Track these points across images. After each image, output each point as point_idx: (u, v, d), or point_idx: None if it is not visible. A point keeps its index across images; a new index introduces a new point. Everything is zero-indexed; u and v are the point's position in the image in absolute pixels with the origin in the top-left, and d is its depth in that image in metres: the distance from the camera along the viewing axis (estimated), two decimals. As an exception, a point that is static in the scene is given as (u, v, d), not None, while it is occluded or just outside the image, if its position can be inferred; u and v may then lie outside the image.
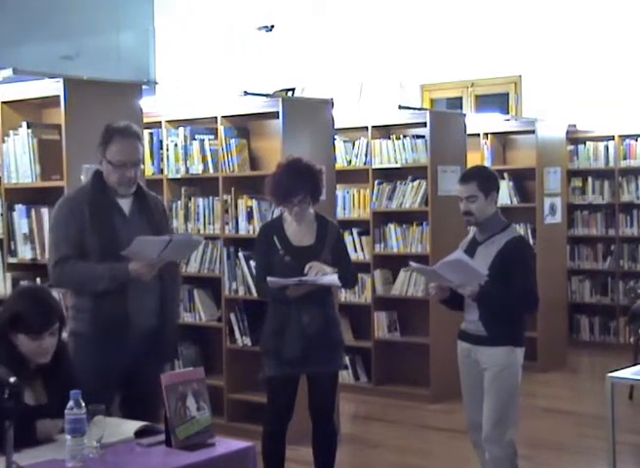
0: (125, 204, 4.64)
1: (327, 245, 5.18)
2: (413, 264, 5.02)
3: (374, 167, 8.47)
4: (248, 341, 7.05)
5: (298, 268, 5.00)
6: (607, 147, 10.57)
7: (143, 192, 4.76)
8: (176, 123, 7.47)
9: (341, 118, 7.81)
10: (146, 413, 4.22)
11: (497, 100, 11.68)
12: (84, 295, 4.53)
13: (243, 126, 7.25)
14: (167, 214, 5.00)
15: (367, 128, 8.52)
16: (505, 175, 9.56)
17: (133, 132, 4.61)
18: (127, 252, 4.38)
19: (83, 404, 3.41)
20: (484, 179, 4.95)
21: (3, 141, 5.85)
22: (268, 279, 4.98)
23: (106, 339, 4.46)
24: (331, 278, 4.99)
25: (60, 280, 4.59)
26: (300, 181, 5.05)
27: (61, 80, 5.53)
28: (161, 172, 7.49)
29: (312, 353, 5.07)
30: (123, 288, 4.49)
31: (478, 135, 9.57)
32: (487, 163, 9.57)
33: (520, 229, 9.36)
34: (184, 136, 7.32)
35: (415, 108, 8.83)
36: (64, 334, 4.10)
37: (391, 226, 8.38)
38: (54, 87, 5.58)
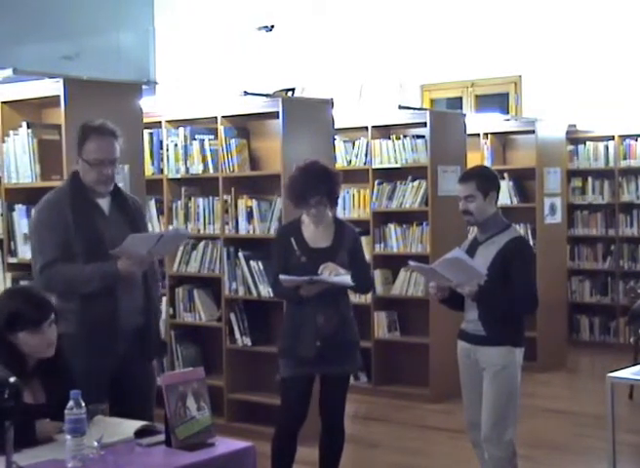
0: (104, 203, 4.61)
1: (343, 247, 5.19)
2: (411, 263, 5.02)
3: (374, 167, 8.47)
4: (248, 341, 7.05)
5: (313, 269, 5.02)
6: (607, 147, 10.58)
7: (120, 191, 4.73)
8: (176, 123, 7.47)
9: (341, 118, 7.82)
10: (136, 414, 4.19)
11: (497, 100, 11.69)
12: (70, 298, 4.45)
13: (243, 126, 7.25)
14: (144, 212, 4.97)
15: (367, 128, 8.52)
16: (505, 175, 9.55)
17: (108, 129, 4.55)
18: (118, 250, 4.35)
19: (83, 404, 3.40)
20: (483, 179, 4.95)
21: (3, 141, 5.85)
22: (281, 277, 4.99)
23: (96, 340, 4.43)
24: (343, 278, 5.00)
25: (48, 284, 4.46)
26: (315, 183, 5.07)
27: (61, 80, 5.53)
28: (161, 172, 7.50)
29: (327, 353, 5.09)
30: (112, 287, 4.46)
31: (478, 135, 9.57)
32: (487, 163, 9.56)
33: (520, 229, 9.35)
34: (184, 136, 7.33)
35: (415, 108, 8.84)
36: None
37: (391, 226, 8.38)
38: (54, 87, 5.57)
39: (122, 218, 4.63)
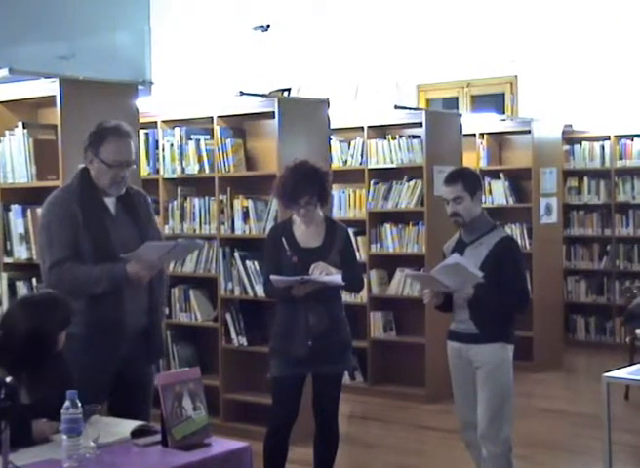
0: (110, 203, 4.56)
1: (335, 247, 5.19)
2: (408, 272, 5.03)
3: (369, 167, 8.47)
4: (244, 341, 7.05)
5: (304, 269, 5.02)
6: (603, 147, 10.58)
7: (127, 190, 4.65)
8: (171, 123, 7.47)
9: (337, 118, 7.81)
10: (134, 415, 4.18)
11: (492, 100, 11.69)
12: (77, 298, 4.40)
13: (239, 126, 7.25)
14: (151, 208, 4.89)
15: (363, 128, 8.52)
16: (501, 175, 9.57)
17: (126, 131, 4.53)
18: (131, 255, 4.33)
19: (79, 404, 3.40)
20: (469, 180, 4.96)
21: (-1, 141, 5.85)
22: (271, 277, 4.99)
23: (101, 341, 4.40)
24: (334, 277, 5.00)
25: (56, 284, 4.42)
26: (305, 183, 5.06)
27: (57, 80, 5.52)
28: (157, 172, 7.49)
29: (319, 353, 5.09)
30: (118, 289, 4.43)
31: (474, 135, 9.58)
32: (483, 163, 9.60)
33: (516, 229, 9.38)
34: (180, 136, 7.32)
35: (410, 108, 8.85)
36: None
37: (387, 226, 8.38)
38: (50, 87, 5.56)
39: (128, 218, 4.59)
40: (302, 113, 7.04)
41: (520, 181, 9.66)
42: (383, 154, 8.43)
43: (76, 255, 4.43)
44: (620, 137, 10.47)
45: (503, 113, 11.18)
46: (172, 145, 7.39)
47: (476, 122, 9.63)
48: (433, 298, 4.91)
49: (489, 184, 9.55)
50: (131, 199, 4.66)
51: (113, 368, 4.50)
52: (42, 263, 4.55)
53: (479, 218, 4.96)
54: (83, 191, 4.51)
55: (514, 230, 9.32)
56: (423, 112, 8.30)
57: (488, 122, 9.78)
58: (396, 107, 8.39)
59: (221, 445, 3.70)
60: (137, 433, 3.73)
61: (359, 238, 8.47)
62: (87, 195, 4.50)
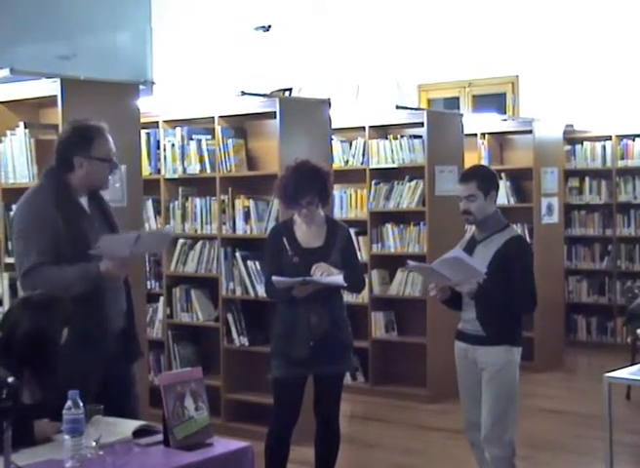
0: (84, 203, 4.50)
1: (336, 247, 5.18)
2: (410, 263, 5.01)
3: (371, 167, 8.47)
4: (245, 341, 7.06)
5: (306, 269, 5.01)
6: (604, 147, 10.58)
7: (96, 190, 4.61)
8: (173, 123, 7.47)
9: (339, 118, 7.81)
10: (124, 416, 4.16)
11: (494, 100, 11.69)
12: None
13: (240, 126, 7.25)
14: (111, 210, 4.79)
15: (364, 128, 8.53)
16: (503, 175, 9.56)
17: (104, 126, 4.50)
18: (96, 251, 4.25)
19: (81, 403, 3.40)
20: (484, 179, 4.95)
21: (0, 141, 5.84)
22: (273, 278, 4.99)
23: (85, 343, 4.28)
24: (335, 278, 4.99)
25: (33, 288, 4.24)
26: (307, 183, 5.05)
27: (59, 80, 5.52)
28: (158, 172, 7.50)
29: (320, 354, 5.08)
30: (99, 290, 4.36)
31: (475, 135, 9.58)
32: (484, 163, 9.55)
33: (517, 229, 9.35)
34: (182, 137, 7.33)
35: (412, 108, 8.85)
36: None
37: (388, 226, 8.38)
38: (51, 87, 5.56)
39: (101, 217, 4.57)
40: (304, 113, 7.04)
41: (521, 181, 9.66)
42: (385, 154, 8.43)
43: (53, 260, 4.32)
44: (621, 137, 10.46)
45: (505, 113, 11.17)
46: (173, 145, 7.39)
47: (477, 122, 9.63)
48: (438, 292, 4.91)
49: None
50: (101, 198, 4.63)
51: (98, 370, 4.40)
52: (18, 268, 4.45)
53: (491, 217, 4.95)
54: (60, 194, 4.42)
55: (517, 229, 9.32)
56: (425, 112, 8.30)
57: (489, 122, 9.78)
58: (397, 107, 8.39)
59: (223, 445, 3.70)
60: (138, 433, 3.73)
61: (360, 238, 8.46)
62: (63, 196, 4.41)
